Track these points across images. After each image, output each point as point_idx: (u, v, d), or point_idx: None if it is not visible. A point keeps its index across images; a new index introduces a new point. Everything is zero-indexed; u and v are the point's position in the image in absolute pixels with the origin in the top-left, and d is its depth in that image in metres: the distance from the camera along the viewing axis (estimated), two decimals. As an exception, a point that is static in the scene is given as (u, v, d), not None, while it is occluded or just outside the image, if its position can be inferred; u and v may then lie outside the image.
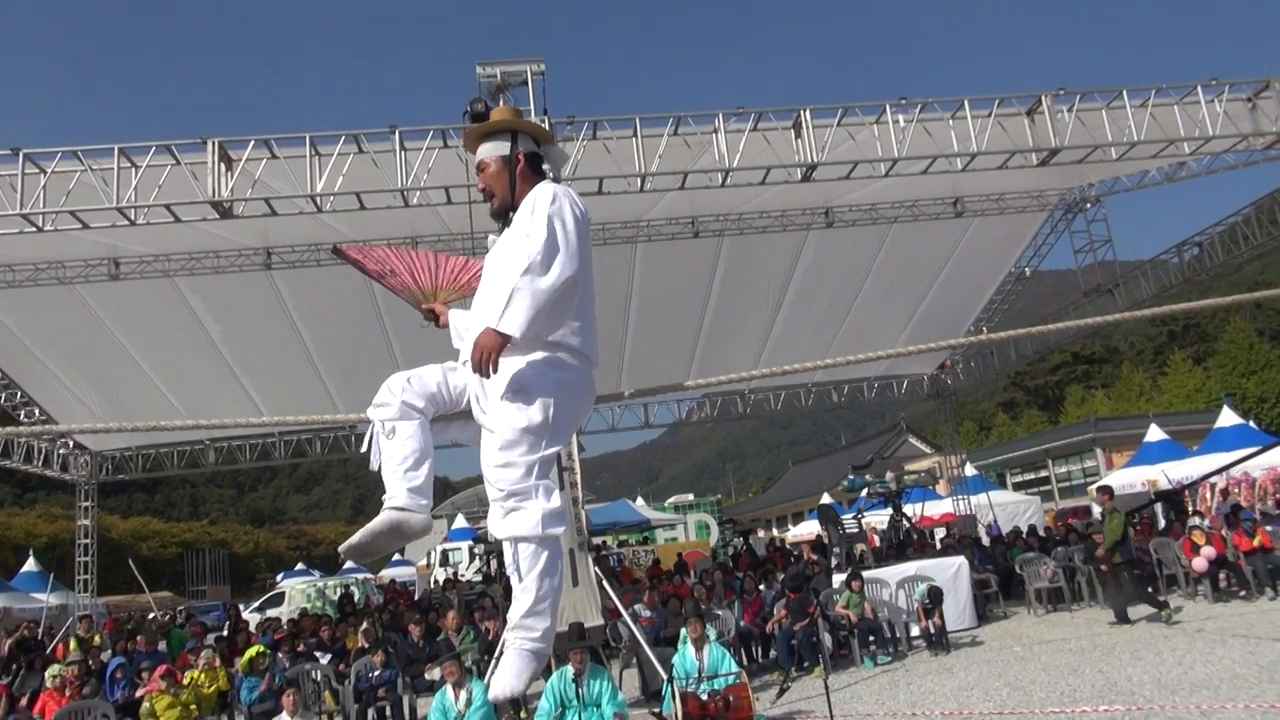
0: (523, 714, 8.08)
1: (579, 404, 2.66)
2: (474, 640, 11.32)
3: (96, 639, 13.10)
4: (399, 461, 2.48)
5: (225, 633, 14.40)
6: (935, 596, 11.17)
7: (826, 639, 10.60)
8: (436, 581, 25.10)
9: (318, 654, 11.53)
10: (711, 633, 8.83)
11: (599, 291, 2.75)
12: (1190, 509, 17.20)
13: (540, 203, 2.55)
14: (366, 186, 9.75)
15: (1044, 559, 13.94)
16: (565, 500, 9.07)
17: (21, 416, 16.85)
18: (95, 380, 16.13)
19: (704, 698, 7.74)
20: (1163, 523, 16.71)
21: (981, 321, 18.60)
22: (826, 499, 28.25)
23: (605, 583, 10.06)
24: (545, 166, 2.83)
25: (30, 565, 24.06)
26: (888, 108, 10.32)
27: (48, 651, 12.75)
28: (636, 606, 11.26)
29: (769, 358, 18.07)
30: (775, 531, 47.93)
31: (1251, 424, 21.51)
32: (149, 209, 9.51)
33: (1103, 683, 8.10)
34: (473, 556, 26.42)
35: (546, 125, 9.06)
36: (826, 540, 15.24)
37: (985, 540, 18.39)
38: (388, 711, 10.00)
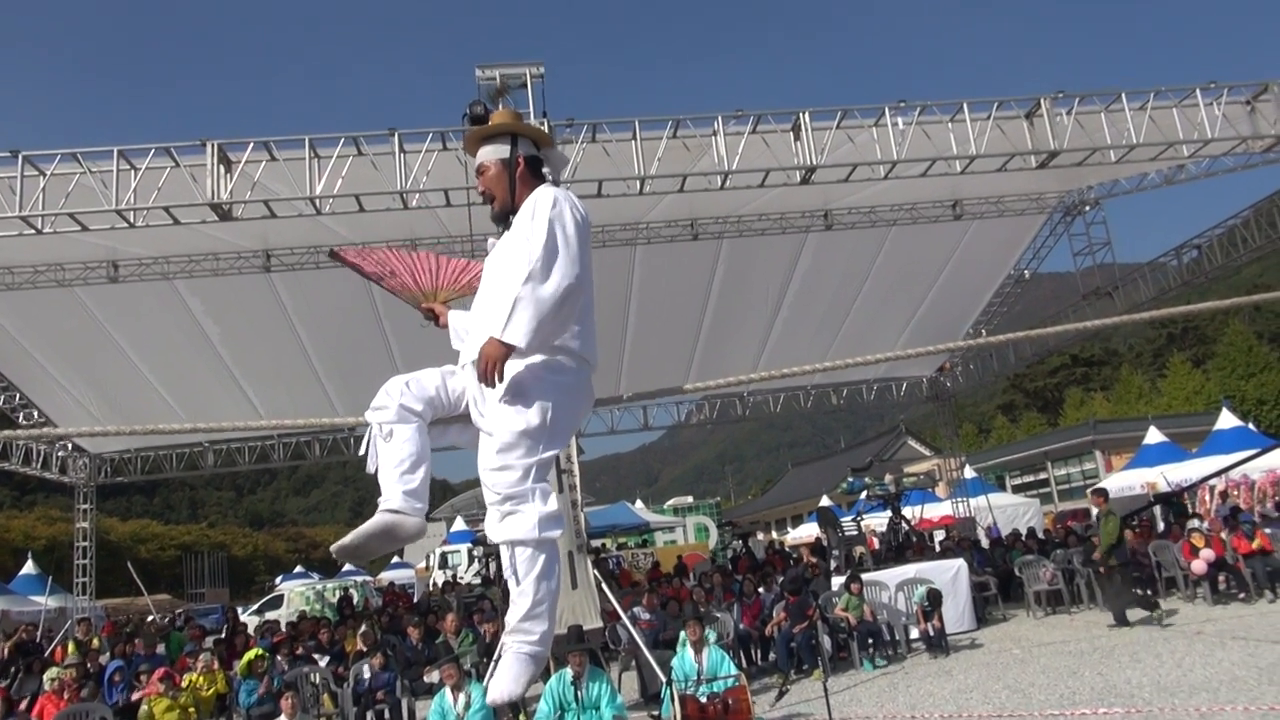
0: (522, 717, 8.06)
1: (578, 407, 2.66)
2: (473, 643, 11.31)
3: (95, 642, 13.09)
4: (395, 464, 2.48)
5: (223, 635, 14.39)
6: (934, 599, 11.16)
7: (825, 641, 10.59)
8: (435, 584, 25.09)
9: (316, 656, 11.51)
10: (710, 635, 8.82)
11: (598, 294, 2.75)
12: (1190, 510, 17.20)
13: (541, 207, 2.55)
14: (366, 189, 9.75)
15: (1043, 561, 13.95)
16: (564, 502, 9.09)
17: (20, 419, 16.83)
18: (94, 382, 16.13)
19: (703, 700, 7.74)
20: (1162, 525, 16.69)
21: (980, 324, 18.61)
22: (825, 501, 28.26)
23: (604, 585, 10.05)
24: (545, 170, 2.83)
25: (29, 568, 24.05)
26: (887, 110, 10.33)
27: (46, 654, 12.74)
28: (635, 609, 11.26)
29: (768, 360, 18.07)
30: (774, 534, 47.92)
31: (1250, 426, 21.51)
32: (148, 211, 9.51)
33: (1102, 685, 8.10)
34: (472, 559, 26.40)
35: (545, 128, 9.07)
36: (826, 543, 15.23)
37: (984, 542, 18.40)
38: (386, 714, 9.99)
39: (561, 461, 9.28)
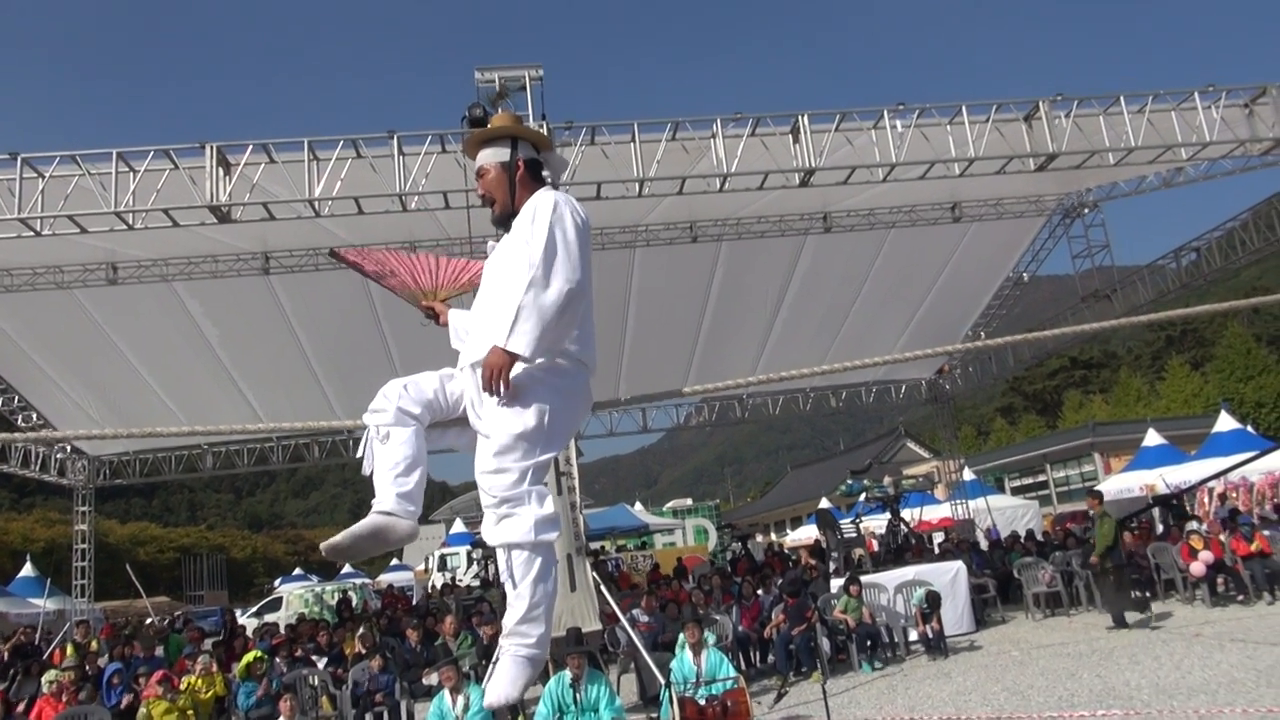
0: (520, 719, 8.06)
1: (575, 411, 2.66)
2: (472, 645, 11.31)
3: (93, 644, 13.07)
4: (390, 467, 2.49)
5: (222, 638, 14.37)
6: (933, 601, 11.16)
7: (824, 644, 10.60)
8: (434, 586, 25.08)
9: (315, 659, 11.50)
10: (709, 638, 8.82)
11: (597, 296, 2.75)
12: (1189, 513, 17.21)
13: (541, 211, 2.55)
14: (365, 191, 9.76)
15: (1042, 564, 13.95)
16: (563, 504, 9.09)
17: (19, 421, 16.82)
18: (93, 384, 16.12)
19: (702, 703, 7.74)
20: (1161, 527, 16.70)
21: (979, 326, 18.62)
22: (825, 503, 28.25)
23: (603, 588, 10.05)
24: (545, 173, 2.84)
25: (27, 570, 24.04)
26: (885, 113, 10.34)
27: (44, 657, 12.73)
28: (634, 611, 11.25)
29: (767, 362, 18.07)
30: (773, 536, 47.93)
31: (1249, 429, 21.55)
32: (147, 213, 9.51)
33: (1101, 687, 8.10)
34: (470, 561, 26.39)
35: (544, 130, 9.08)
36: (824, 545, 15.22)
37: (983, 544, 18.40)
38: (385, 716, 9.97)
39: (560, 463, 9.28)
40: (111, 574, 28.52)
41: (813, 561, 17.06)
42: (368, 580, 30.92)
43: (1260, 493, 17.95)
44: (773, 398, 21.41)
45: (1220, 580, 12.56)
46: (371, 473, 2.52)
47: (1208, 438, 20.01)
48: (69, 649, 12.72)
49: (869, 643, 10.89)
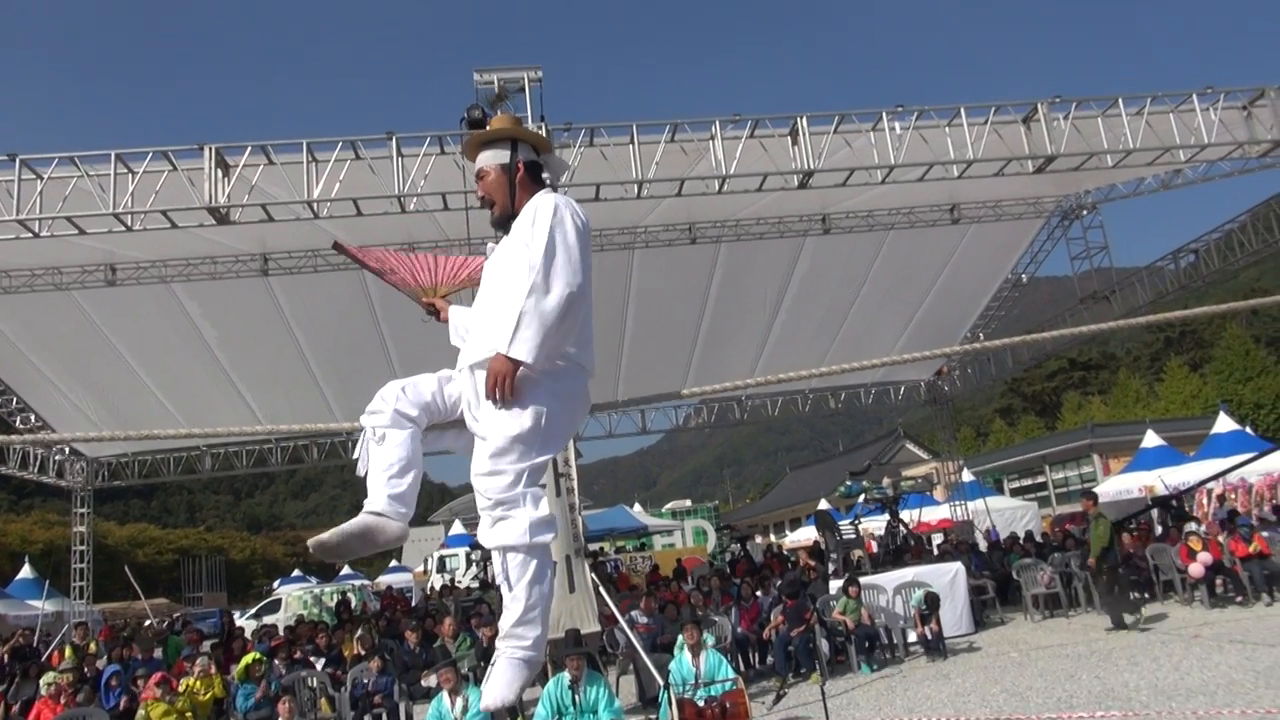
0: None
1: (573, 413, 2.65)
2: (470, 647, 11.30)
3: (92, 646, 13.06)
4: (384, 468, 2.48)
5: (220, 639, 14.35)
6: (932, 602, 11.16)
7: (823, 645, 10.59)
8: (433, 588, 25.07)
9: (314, 660, 11.49)
10: (708, 639, 8.82)
11: (596, 298, 2.75)
12: (1188, 514, 17.22)
13: (541, 214, 2.54)
14: (363, 193, 9.76)
15: (1041, 565, 13.95)
16: (562, 506, 9.09)
17: (18, 423, 16.81)
18: (91, 386, 16.11)
19: (700, 704, 7.74)
20: (1159, 528, 16.71)
21: (978, 328, 18.63)
22: (824, 505, 28.25)
23: (602, 589, 10.04)
24: (545, 175, 2.84)
25: (26, 572, 24.02)
26: (884, 115, 10.34)
27: (43, 659, 12.71)
28: (633, 613, 11.25)
29: (766, 364, 18.08)
30: (773, 537, 47.96)
31: (1248, 430, 21.57)
32: (146, 215, 9.51)
33: (1099, 688, 8.11)
34: (469, 563, 26.39)
35: (543, 132, 9.08)
36: (824, 546, 15.21)
37: (983, 546, 18.40)
38: (384, 718, 9.97)
39: (559, 465, 9.28)
40: (110, 576, 28.52)
41: (812, 563, 17.06)
42: (366, 582, 30.89)
43: (1259, 494, 17.96)
44: (772, 399, 21.42)
45: (1219, 581, 12.58)
46: (366, 473, 2.52)
47: (1206, 439, 20.02)
48: (67, 651, 12.70)
49: (868, 644, 10.89)
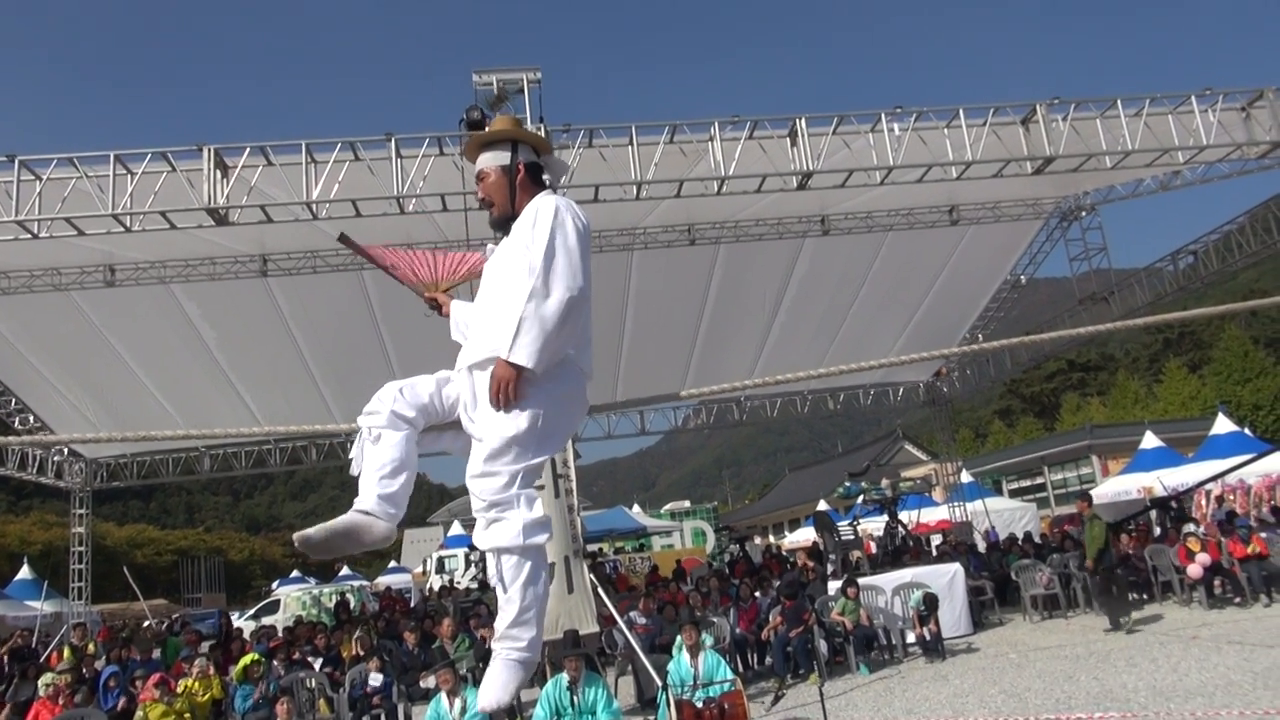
0: (518, 721, 8.06)
1: (570, 415, 2.64)
2: (469, 648, 11.30)
3: (90, 647, 13.05)
4: (377, 468, 2.48)
5: (218, 640, 14.35)
6: (931, 603, 11.17)
7: (822, 646, 10.59)
8: (432, 589, 25.06)
9: (312, 661, 11.48)
10: (707, 640, 8.82)
11: (595, 299, 2.75)
12: (1186, 515, 17.23)
13: (542, 216, 2.54)
14: (362, 194, 9.76)
15: (1039, 566, 13.96)
16: (560, 507, 9.09)
17: (16, 424, 16.80)
18: (90, 387, 16.10)
19: (699, 705, 7.73)
20: (1158, 529, 16.73)
21: (977, 329, 18.64)
22: (823, 506, 28.26)
23: (600, 590, 10.04)
24: (545, 177, 2.84)
25: (24, 573, 24.01)
26: (883, 116, 10.35)
27: (41, 660, 12.71)
28: (632, 614, 11.25)
29: (765, 365, 18.08)
30: (771, 538, 47.98)
31: (1246, 431, 21.60)
32: (145, 216, 9.51)
33: (1098, 689, 8.11)
34: (468, 564, 26.38)
35: (542, 133, 9.08)
36: (822, 547, 15.22)
37: (982, 547, 18.41)
38: (382, 719, 9.97)
39: (558, 466, 9.28)
40: (109, 576, 28.47)
41: (810, 564, 17.07)
42: (365, 583, 30.90)
43: (1257, 495, 17.99)
44: (771, 400, 21.42)
45: (1217, 582, 12.59)
46: (359, 473, 2.51)
47: (1205, 440, 20.04)
48: (65, 652, 12.70)
49: (866, 645, 10.89)
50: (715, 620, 11.39)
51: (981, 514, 22.40)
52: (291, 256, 12.88)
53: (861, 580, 11.73)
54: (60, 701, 9.29)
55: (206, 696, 10.03)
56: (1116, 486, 22.13)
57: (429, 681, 9.12)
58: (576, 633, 8.81)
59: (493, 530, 2.39)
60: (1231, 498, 18.07)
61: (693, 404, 22.06)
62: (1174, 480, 18.79)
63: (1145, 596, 13.57)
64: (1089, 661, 9.47)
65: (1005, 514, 24.07)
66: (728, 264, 14.99)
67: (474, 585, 21.68)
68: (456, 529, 32.36)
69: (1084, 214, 15.25)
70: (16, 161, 9.16)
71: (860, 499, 17.02)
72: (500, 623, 2.44)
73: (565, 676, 7.36)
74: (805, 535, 31.50)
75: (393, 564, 38.19)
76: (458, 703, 7.59)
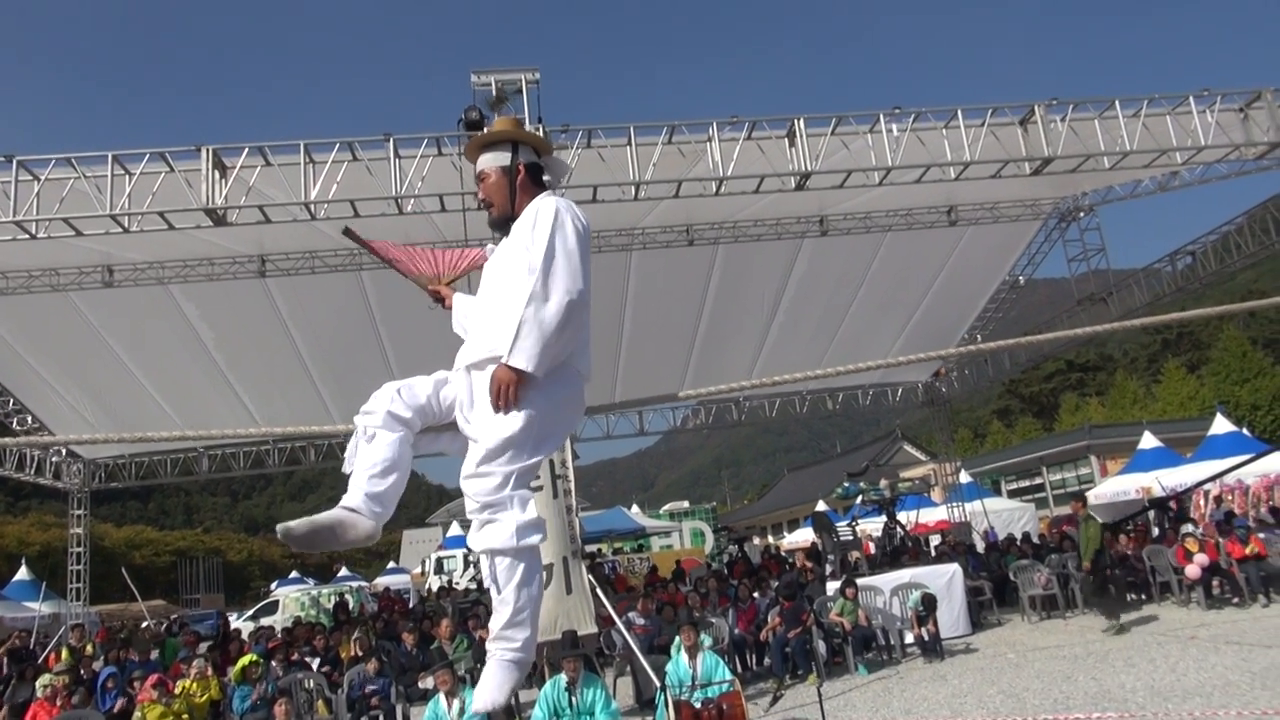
0: (516, 722, 8.06)
1: (567, 417, 2.64)
2: (468, 648, 11.29)
3: (88, 648, 13.04)
4: (368, 466, 2.47)
5: (216, 641, 14.34)
6: (929, 604, 11.17)
7: (820, 646, 10.59)
8: (430, 589, 25.06)
9: (311, 662, 11.48)
10: (705, 640, 8.82)
11: (594, 300, 2.75)
12: (1185, 515, 17.24)
13: (542, 217, 2.54)
14: (361, 194, 9.75)
15: (1038, 566, 13.97)
16: (559, 507, 9.08)
17: (14, 425, 16.78)
18: (89, 388, 16.08)
19: (697, 706, 7.73)
20: (1156, 530, 16.73)
21: (976, 329, 18.65)
22: (821, 506, 28.30)
23: (599, 591, 10.04)
24: (546, 177, 2.84)
25: (22, 574, 23.97)
26: (881, 117, 10.35)
27: (39, 661, 12.69)
28: (630, 614, 11.24)
29: (764, 365, 18.09)
30: (770, 539, 48.00)
31: (1245, 431, 21.61)
32: (143, 216, 9.50)
33: (1096, 690, 8.12)
34: (467, 564, 26.39)
35: (541, 134, 9.08)
36: (821, 547, 15.22)
37: (980, 547, 18.41)
38: (381, 720, 9.97)
39: (556, 466, 9.27)
40: (107, 577, 28.43)
41: (809, 564, 17.07)
42: (364, 583, 30.91)
43: (1256, 495, 17.99)
44: (769, 401, 21.43)
45: (1215, 583, 12.60)
46: (351, 472, 2.51)
47: (1203, 440, 20.04)
48: (64, 653, 12.70)
49: (865, 645, 10.89)
50: (714, 621, 11.39)
51: (980, 514, 22.40)
52: (290, 257, 12.87)
53: (860, 581, 11.73)
54: (58, 703, 9.28)
55: (205, 697, 10.02)
56: (1115, 487, 22.14)
57: (427, 682, 9.13)
58: (575, 633, 8.80)
59: (485, 531, 2.38)
60: (1230, 498, 18.08)
61: (691, 404, 22.07)
62: (1172, 480, 18.80)
63: (1143, 597, 13.57)
64: (1087, 662, 9.48)
65: (1004, 514, 24.08)
66: (726, 264, 14.99)
67: (472, 586, 21.70)
68: (455, 530, 32.37)
69: (1082, 214, 15.26)
70: (14, 162, 9.15)
71: (859, 499, 17.04)
72: (495, 624, 2.44)
73: (564, 677, 7.36)
74: (804, 536, 31.49)
75: (391, 565, 38.22)
76: (456, 703, 7.58)
